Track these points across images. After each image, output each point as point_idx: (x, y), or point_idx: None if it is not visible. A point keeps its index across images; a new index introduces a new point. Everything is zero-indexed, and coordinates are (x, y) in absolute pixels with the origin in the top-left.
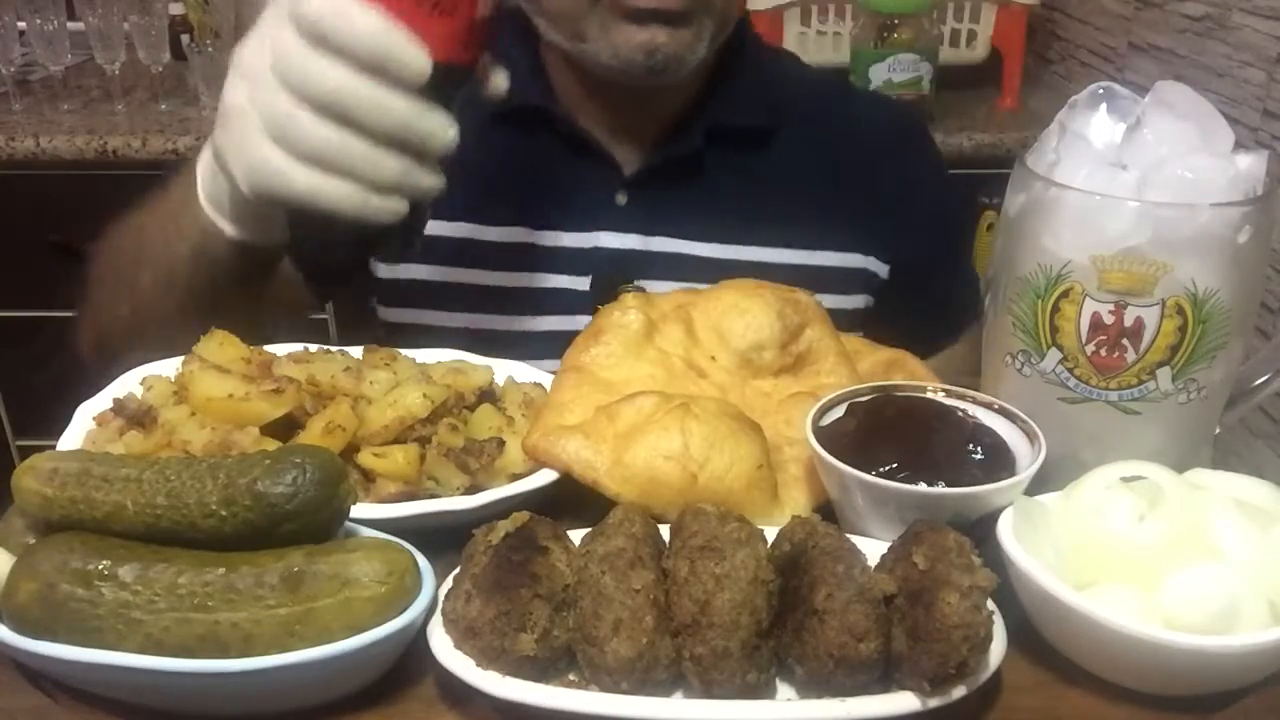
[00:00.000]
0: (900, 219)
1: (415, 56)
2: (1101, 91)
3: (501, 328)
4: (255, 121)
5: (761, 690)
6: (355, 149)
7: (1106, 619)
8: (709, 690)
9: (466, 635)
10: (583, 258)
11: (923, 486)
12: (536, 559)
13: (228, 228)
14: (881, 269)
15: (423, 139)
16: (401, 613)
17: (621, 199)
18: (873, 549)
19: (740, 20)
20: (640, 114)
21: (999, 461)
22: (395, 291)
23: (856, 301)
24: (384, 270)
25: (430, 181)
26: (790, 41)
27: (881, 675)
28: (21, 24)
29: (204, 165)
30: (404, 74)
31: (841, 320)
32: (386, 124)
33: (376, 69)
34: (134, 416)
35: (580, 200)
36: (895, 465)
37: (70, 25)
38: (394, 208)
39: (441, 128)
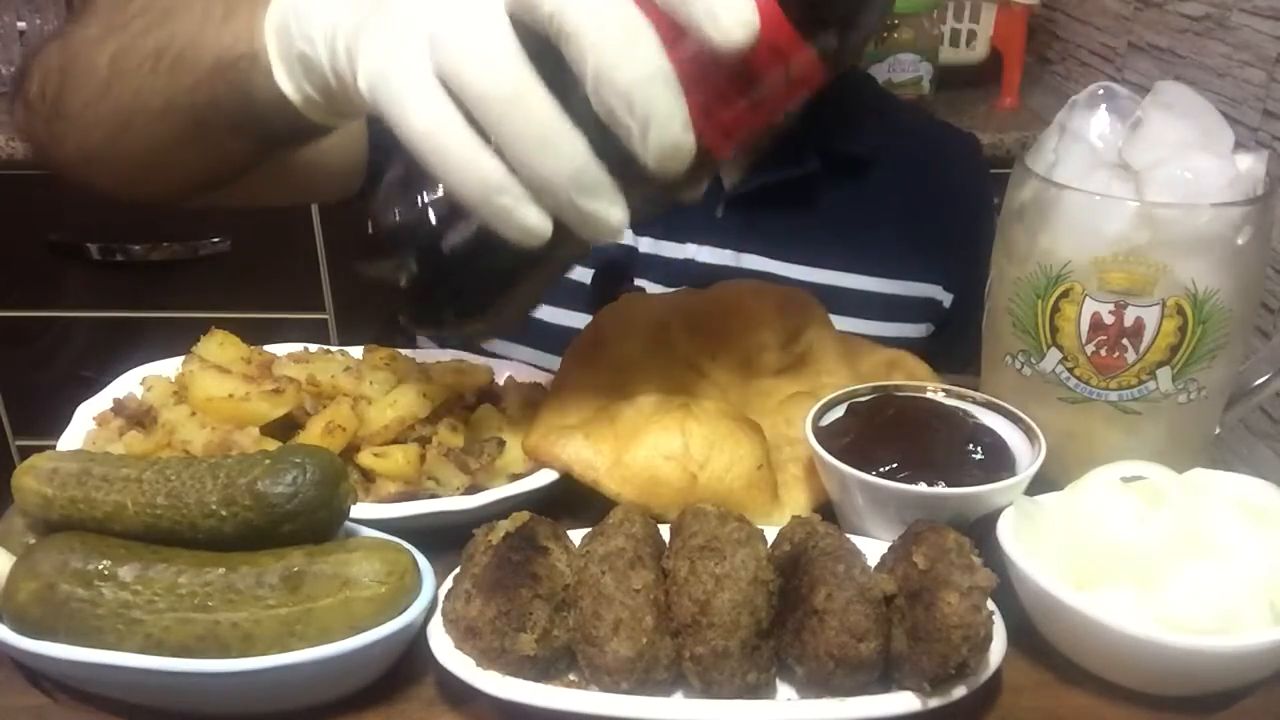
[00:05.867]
0: (966, 248)
1: (681, 120)
2: (1101, 91)
3: None
4: (424, 13)
5: (761, 690)
6: (536, 109)
7: (1106, 619)
8: (709, 690)
9: (466, 635)
10: (677, 267)
11: (923, 486)
12: (536, 559)
13: (292, 93)
14: (946, 298)
15: (611, 189)
16: (401, 613)
17: (719, 212)
18: (873, 549)
19: None
20: None
21: (999, 461)
22: None
23: (920, 330)
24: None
25: (603, 225)
26: None
27: (881, 675)
28: (21, 24)
29: (283, 21)
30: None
31: (903, 348)
32: (614, 112)
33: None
34: (134, 416)
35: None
36: (895, 465)
37: None
38: (535, 226)
39: (620, 210)
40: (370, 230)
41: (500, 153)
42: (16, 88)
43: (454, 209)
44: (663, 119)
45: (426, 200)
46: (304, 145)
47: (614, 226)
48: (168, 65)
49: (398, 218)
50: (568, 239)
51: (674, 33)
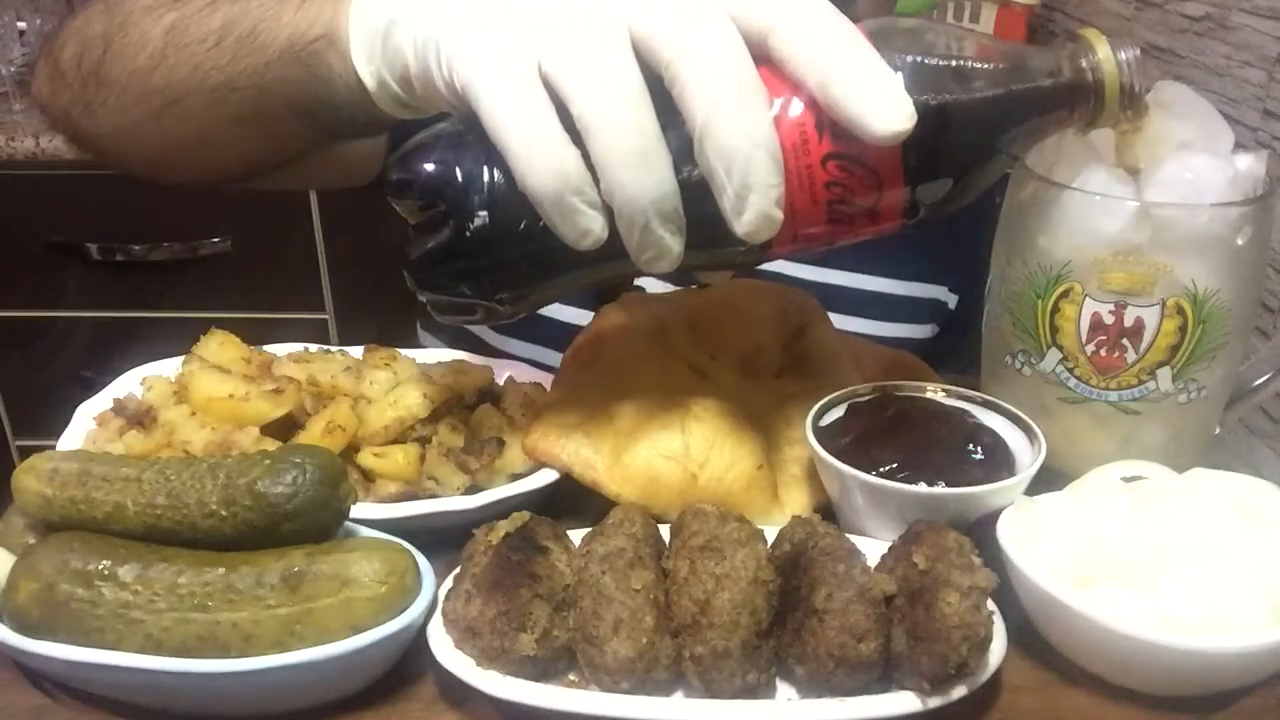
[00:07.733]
0: (970, 248)
1: (777, 195)
2: None
3: None
4: (542, 21)
5: (761, 690)
6: (643, 123)
7: (1106, 619)
8: (709, 690)
9: (466, 635)
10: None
11: (923, 486)
12: (536, 559)
13: (368, 77)
14: (951, 299)
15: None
16: (401, 613)
17: None
18: (873, 549)
19: None
20: None
21: (999, 461)
22: None
23: (924, 331)
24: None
25: (662, 256)
26: None
27: (881, 675)
28: (21, 24)
29: (369, 18)
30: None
31: (907, 350)
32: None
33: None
34: (134, 416)
35: None
36: (895, 465)
37: None
38: (595, 232)
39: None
40: (409, 173)
41: (587, 158)
42: (44, 51)
43: (513, 193)
44: (761, 188)
45: (487, 172)
46: (361, 137)
47: (672, 258)
48: (234, 42)
49: (447, 173)
50: (615, 258)
51: (800, 127)
